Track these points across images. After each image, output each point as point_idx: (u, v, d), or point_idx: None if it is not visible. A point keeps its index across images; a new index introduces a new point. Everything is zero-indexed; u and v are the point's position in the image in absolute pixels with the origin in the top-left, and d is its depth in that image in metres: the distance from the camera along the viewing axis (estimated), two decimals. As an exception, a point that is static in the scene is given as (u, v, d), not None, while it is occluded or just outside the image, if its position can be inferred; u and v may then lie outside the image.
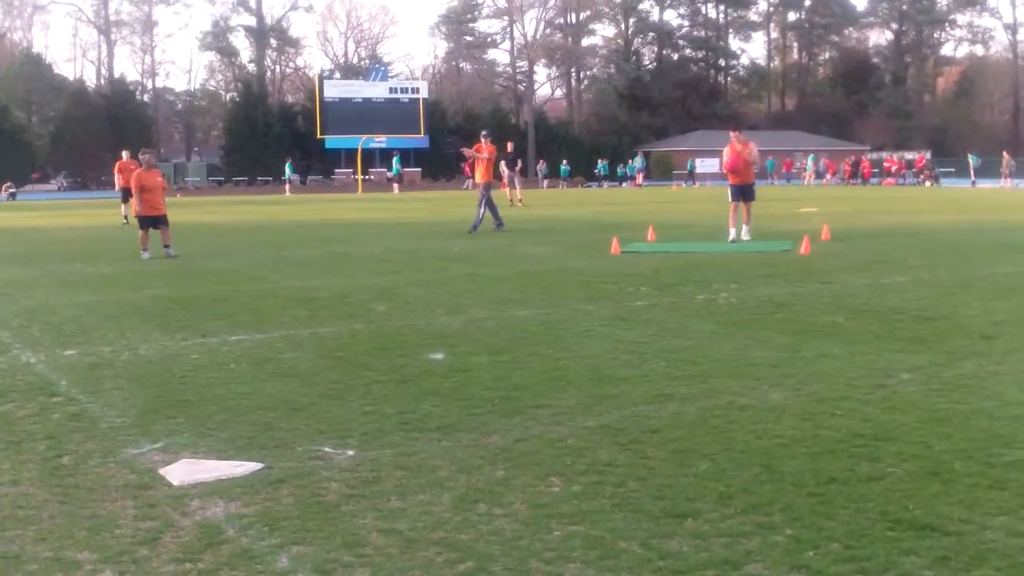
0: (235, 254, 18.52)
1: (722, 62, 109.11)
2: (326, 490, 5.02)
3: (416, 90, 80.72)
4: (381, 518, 4.63)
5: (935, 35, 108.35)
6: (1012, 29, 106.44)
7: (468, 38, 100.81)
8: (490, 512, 4.70)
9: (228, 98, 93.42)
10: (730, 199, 19.05)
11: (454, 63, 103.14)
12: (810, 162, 73.14)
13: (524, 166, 76.50)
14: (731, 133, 19.10)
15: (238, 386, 7.36)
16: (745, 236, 18.88)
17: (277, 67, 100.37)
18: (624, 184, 73.73)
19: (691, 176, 74.40)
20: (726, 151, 19.11)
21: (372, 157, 74.62)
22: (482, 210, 22.74)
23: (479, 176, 23.50)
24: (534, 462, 5.43)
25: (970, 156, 61.54)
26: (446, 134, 78.98)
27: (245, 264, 16.55)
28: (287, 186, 63.81)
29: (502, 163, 41.09)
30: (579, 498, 4.87)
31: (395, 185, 62.72)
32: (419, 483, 5.12)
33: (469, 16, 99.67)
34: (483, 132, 24.37)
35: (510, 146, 42.30)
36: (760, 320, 9.95)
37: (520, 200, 38.85)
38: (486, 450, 5.66)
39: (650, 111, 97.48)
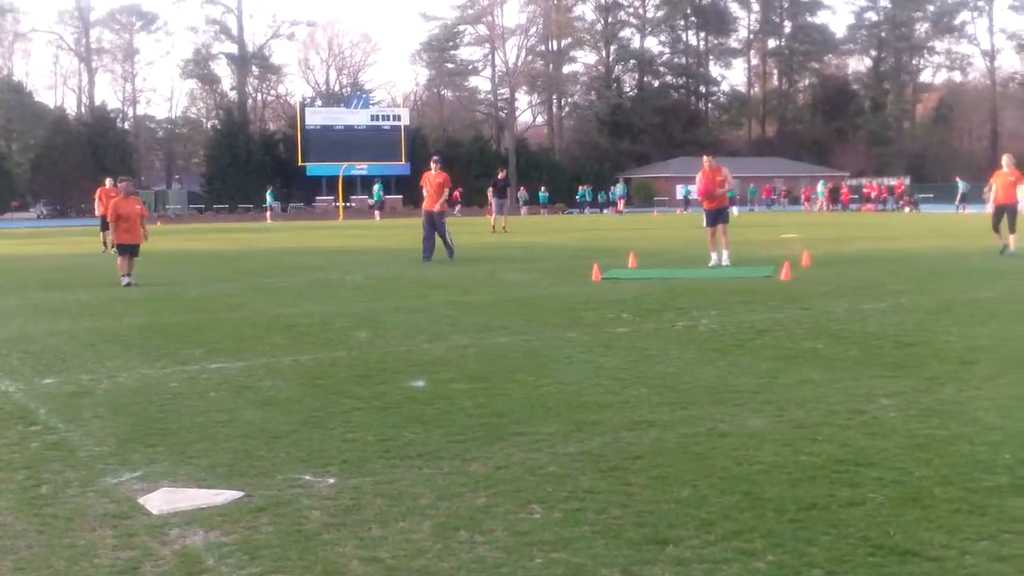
0: (215, 282, 18.47)
1: (703, 89, 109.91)
2: (306, 518, 5.00)
3: (398, 117, 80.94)
4: (362, 546, 4.61)
5: (914, 62, 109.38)
6: (990, 56, 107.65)
7: (450, 65, 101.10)
8: (471, 540, 4.69)
9: (209, 126, 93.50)
10: (705, 224, 19.36)
11: (436, 90, 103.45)
12: (821, 187, 72.67)
13: (514, 194, 76.94)
14: (703, 159, 19.36)
15: (218, 414, 7.33)
16: (725, 261, 18.99)
17: (259, 94, 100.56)
18: (605, 211, 73.92)
19: (686, 203, 74.35)
20: (698, 177, 19.39)
21: (354, 184, 74.68)
22: (447, 236, 22.31)
23: (427, 203, 22.50)
24: (515, 489, 5.42)
25: (960, 182, 61.77)
26: (427, 160, 79.12)
27: (225, 292, 16.51)
28: (268, 213, 63.78)
29: (490, 190, 41.05)
30: (560, 525, 4.86)
31: (376, 212, 62.71)
32: (400, 511, 5.10)
33: (451, 43, 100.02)
34: (433, 158, 23.95)
35: (502, 173, 41.96)
36: (741, 346, 9.97)
37: (504, 227, 38.81)
38: (467, 477, 5.65)
39: (631, 138, 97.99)
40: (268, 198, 65.36)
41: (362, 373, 8.80)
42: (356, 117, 79.07)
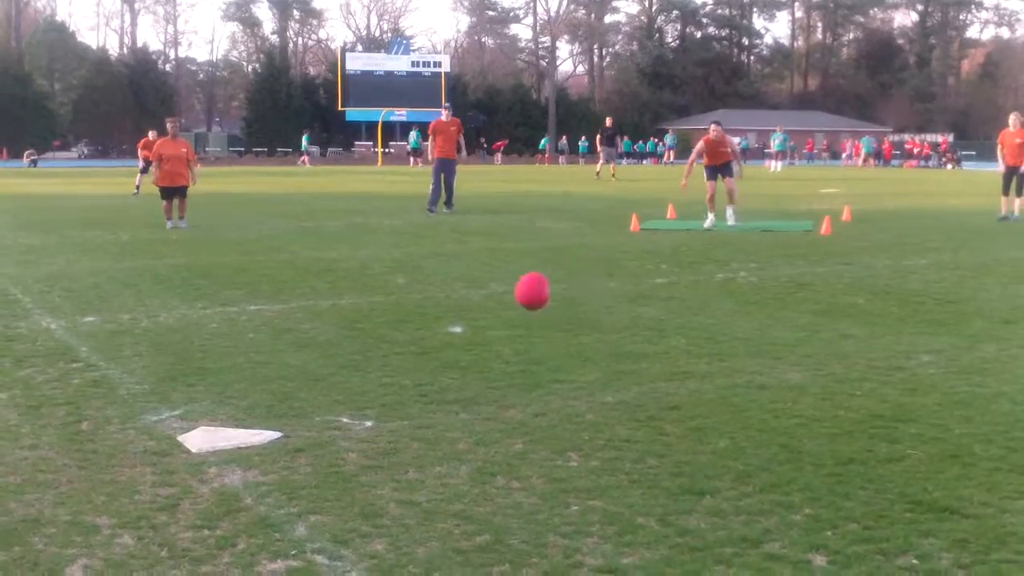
0: (255, 224, 18.53)
1: (745, 41, 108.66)
2: (344, 460, 5.02)
3: (438, 64, 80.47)
4: (399, 489, 4.64)
5: (961, 17, 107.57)
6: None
7: (491, 12, 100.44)
8: (508, 485, 4.70)
9: (250, 69, 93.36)
10: (706, 179, 17.93)
11: (476, 38, 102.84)
12: (864, 143, 71.64)
13: (554, 143, 76.57)
14: (711, 127, 17.88)
15: (257, 355, 7.37)
16: (730, 220, 17.75)
17: (299, 39, 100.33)
18: (645, 161, 73.46)
19: (744, 155, 73.05)
20: (700, 145, 17.94)
21: (392, 130, 74.54)
22: (453, 186, 21.69)
23: (446, 151, 21.54)
24: (552, 436, 5.43)
25: None
26: (467, 108, 78.80)
27: (265, 234, 16.56)
28: (305, 158, 63.67)
29: (597, 137, 40.45)
30: (597, 473, 4.86)
31: (412, 159, 62.58)
32: (437, 455, 5.12)
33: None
34: (444, 104, 23.14)
35: (609, 121, 40.57)
36: (780, 300, 9.91)
37: (613, 174, 38.68)
38: (504, 424, 5.66)
39: (672, 89, 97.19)
40: (304, 142, 65.20)
41: (400, 318, 8.82)
42: (396, 63, 78.74)
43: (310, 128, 70.98)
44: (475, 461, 5.04)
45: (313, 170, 53.35)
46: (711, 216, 17.76)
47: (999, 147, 20.01)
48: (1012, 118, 19.82)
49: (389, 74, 77.42)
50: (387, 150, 70.49)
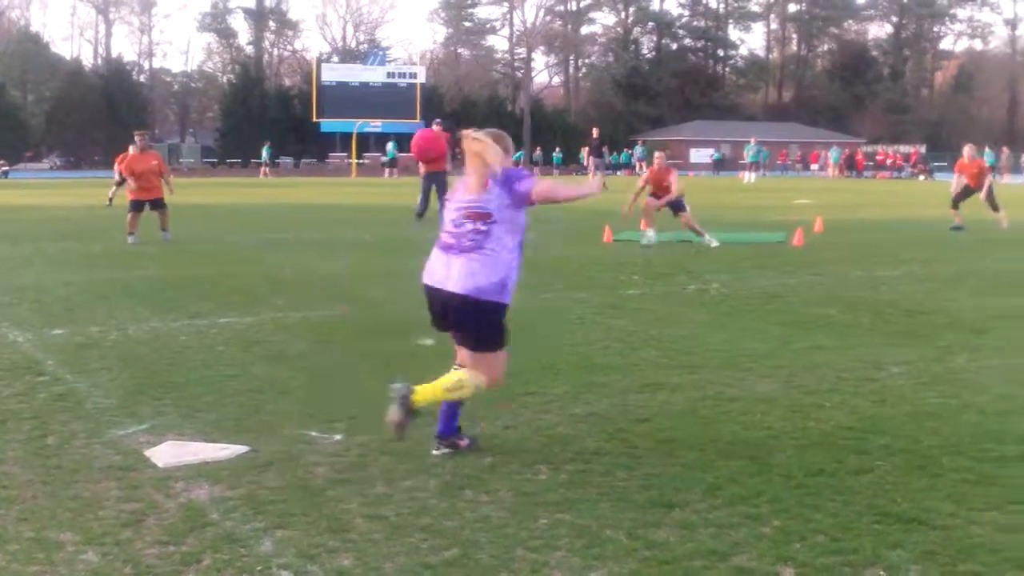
0: (227, 236, 18.47)
1: (721, 52, 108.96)
2: (312, 474, 5.00)
3: (414, 75, 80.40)
4: (367, 503, 4.61)
5: (935, 29, 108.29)
6: (1012, 24, 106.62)
7: (467, 24, 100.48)
8: (476, 499, 4.68)
9: (225, 80, 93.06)
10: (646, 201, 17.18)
11: (452, 49, 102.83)
12: (833, 153, 72.03)
13: (529, 155, 76.65)
14: (656, 155, 17.71)
15: (226, 368, 7.33)
16: (644, 240, 16.84)
17: (275, 50, 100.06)
18: (619, 172, 73.63)
19: (719, 166, 73.51)
20: (645, 175, 17.64)
21: (367, 141, 74.40)
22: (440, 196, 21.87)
23: (439, 164, 21.46)
24: (522, 449, 5.42)
25: (988, 151, 61.02)
26: (443, 119, 78.71)
27: (237, 246, 16.50)
28: (264, 169, 62.97)
29: (586, 149, 40.47)
30: (566, 486, 4.85)
31: (387, 171, 62.36)
32: (406, 469, 5.10)
33: (470, 2, 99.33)
34: (436, 120, 23.52)
35: (596, 132, 40.56)
36: (752, 311, 9.93)
37: (604, 184, 38.73)
38: (475, 435, 5.63)
39: (647, 100, 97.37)
40: (264, 154, 64.61)
41: (372, 330, 8.80)
42: (372, 74, 78.55)
43: (272, 140, 70.30)
44: (444, 475, 5.02)
45: (281, 181, 53.00)
46: (650, 233, 16.96)
47: (957, 175, 21.08)
48: (966, 150, 20.94)
49: (364, 85, 77.23)
50: (361, 161, 70.32)
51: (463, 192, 5.34)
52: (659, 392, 6.64)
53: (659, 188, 17.42)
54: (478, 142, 5.29)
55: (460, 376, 5.29)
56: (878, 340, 8.43)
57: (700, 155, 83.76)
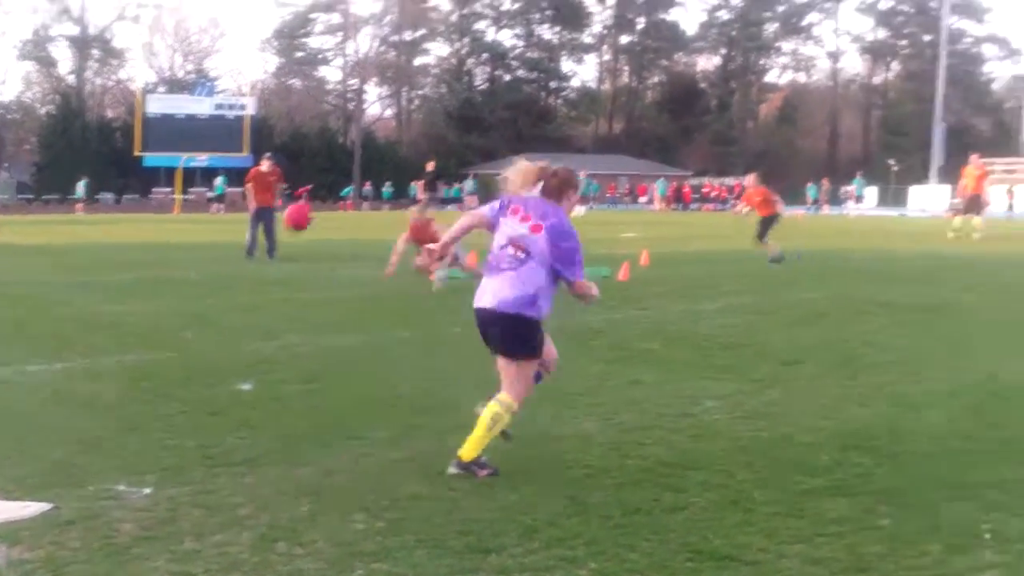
0: (39, 276, 17.78)
1: (553, 84, 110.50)
2: (117, 531, 4.80)
3: (243, 107, 79.19)
4: (174, 560, 4.45)
5: (761, 62, 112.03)
6: (834, 57, 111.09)
7: (300, 54, 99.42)
8: (290, 552, 4.57)
9: (44, 111, 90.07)
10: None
11: (284, 79, 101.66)
12: (659, 185, 73.63)
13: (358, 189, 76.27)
14: (412, 211, 17.80)
15: (32, 419, 7.01)
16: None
17: (99, 79, 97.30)
18: (449, 207, 73.86)
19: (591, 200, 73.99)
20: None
21: (193, 176, 72.88)
22: (274, 233, 21.64)
23: (265, 199, 21.58)
24: (340, 497, 5.32)
25: (857, 180, 63.01)
26: (273, 152, 77.71)
27: (49, 287, 15.87)
28: (79, 205, 61.17)
29: (421, 183, 40.46)
30: (383, 534, 4.78)
31: (214, 206, 61.18)
32: (217, 522, 4.94)
33: (302, 31, 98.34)
34: (266, 154, 23.39)
35: (430, 165, 40.84)
36: (575, 347, 9.99)
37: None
38: (293, 485, 5.52)
39: (480, 132, 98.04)
40: (80, 188, 62.69)
41: (189, 375, 8.54)
42: (199, 105, 76.91)
43: (92, 174, 68.18)
44: (258, 527, 4.89)
45: (100, 218, 51.38)
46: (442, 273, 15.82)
47: (745, 205, 23.00)
48: (748, 180, 22.66)
49: (191, 117, 75.50)
50: (186, 196, 68.83)
51: (518, 223, 5.83)
52: (480, 433, 6.61)
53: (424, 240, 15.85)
54: (528, 175, 5.98)
55: (494, 411, 5.78)
56: (697, 374, 8.59)
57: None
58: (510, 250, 5.80)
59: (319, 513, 5.08)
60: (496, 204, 6.02)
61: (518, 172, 6.01)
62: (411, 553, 4.54)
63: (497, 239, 5.89)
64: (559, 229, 5.78)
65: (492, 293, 5.85)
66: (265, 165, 22.21)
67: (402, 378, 8.44)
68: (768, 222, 20.90)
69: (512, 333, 5.84)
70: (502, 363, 5.94)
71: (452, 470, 5.67)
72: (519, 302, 5.77)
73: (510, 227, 5.83)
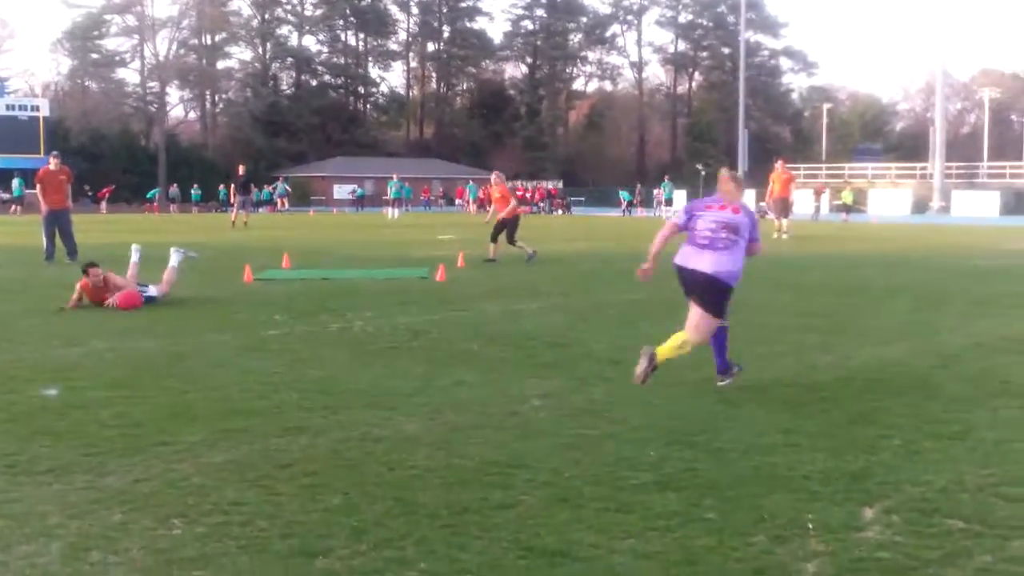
0: None
1: (362, 89, 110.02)
2: (-89, 547, 4.46)
3: (36, 108, 76.12)
4: (-24, 576, 4.16)
5: (567, 70, 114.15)
6: (638, 67, 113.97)
7: (95, 56, 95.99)
8: (105, 561, 4.33)
9: None
10: None
11: (79, 81, 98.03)
12: (470, 190, 73.84)
13: (165, 191, 74.18)
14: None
15: None
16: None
17: None
18: (261, 209, 72.61)
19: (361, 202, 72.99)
20: None
21: (-14, 178, 69.64)
22: (72, 235, 20.92)
23: (58, 201, 20.72)
24: (155, 504, 5.07)
25: (665, 183, 64.07)
26: (69, 154, 74.80)
27: None
28: None
29: (232, 187, 39.87)
30: (203, 540, 4.57)
31: (13, 207, 58.72)
32: (25, 533, 4.65)
33: (96, 33, 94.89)
34: (53, 153, 22.39)
35: (242, 169, 40.37)
36: (396, 349, 9.89)
37: (245, 222, 38.33)
38: (102, 492, 5.24)
39: (288, 136, 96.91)
40: None
41: (-12, 381, 8.07)
42: (-10, 107, 73.72)
43: None
44: (68, 536, 4.61)
45: None
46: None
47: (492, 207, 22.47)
48: (493, 176, 22.90)
49: (-19, 118, 72.30)
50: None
51: (718, 210, 7.83)
52: (301, 435, 6.42)
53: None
54: (735, 180, 8.04)
55: (682, 338, 7.63)
56: (521, 373, 8.57)
57: (342, 191, 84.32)
58: (722, 233, 7.69)
59: (132, 521, 4.83)
60: (684, 214, 8.00)
61: (737, 182, 8.08)
62: (234, 559, 4.35)
63: (705, 225, 7.76)
64: (747, 209, 7.95)
65: (712, 263, 7.65)
66: (53, 164, 21.20)
67: (219, 381, 8.16)
68: (514, 224, 21.22)
69: (718, 296, 7.70)
70: (695, 312, 7.72)
71: (641, 365, 7.45)
72: (732, 275, 7.71)
73: (715, 216, 7.77)
